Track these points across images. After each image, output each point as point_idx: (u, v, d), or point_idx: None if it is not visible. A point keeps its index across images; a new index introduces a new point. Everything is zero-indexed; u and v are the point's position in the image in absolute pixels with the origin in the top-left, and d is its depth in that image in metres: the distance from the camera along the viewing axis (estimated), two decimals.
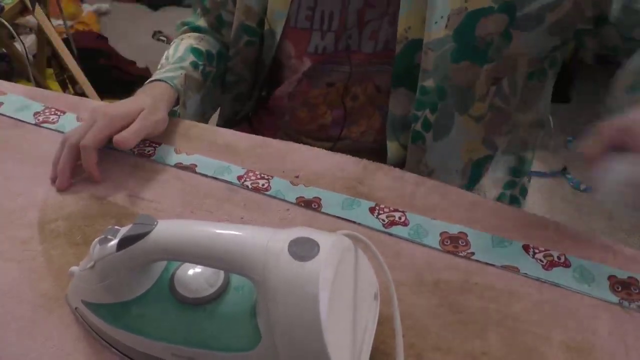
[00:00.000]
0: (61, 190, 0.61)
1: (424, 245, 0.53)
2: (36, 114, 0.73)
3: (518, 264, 0.51)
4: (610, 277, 0.49)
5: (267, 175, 0.62)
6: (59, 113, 0.73)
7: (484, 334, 0.45)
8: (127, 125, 0.63)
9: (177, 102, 0.73)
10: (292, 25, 0.73)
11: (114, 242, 0.41)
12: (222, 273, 0.42)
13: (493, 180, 0.80)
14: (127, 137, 0.61)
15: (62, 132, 0.69)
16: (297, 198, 0.59)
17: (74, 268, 0.45)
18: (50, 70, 1.95)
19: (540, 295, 0.48)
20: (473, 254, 0.52)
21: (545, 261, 0.51)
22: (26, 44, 1.81)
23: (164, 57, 0.79)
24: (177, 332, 0.41)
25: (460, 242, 0.53)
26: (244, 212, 0.58)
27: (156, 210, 0.58)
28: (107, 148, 0.63)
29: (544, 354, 0.44)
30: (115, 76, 2.22)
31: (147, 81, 0.73)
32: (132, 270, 0.42)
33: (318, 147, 0.68)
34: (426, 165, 0.73)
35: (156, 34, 2.75)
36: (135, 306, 0.43)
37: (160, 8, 3.03)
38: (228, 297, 0.41)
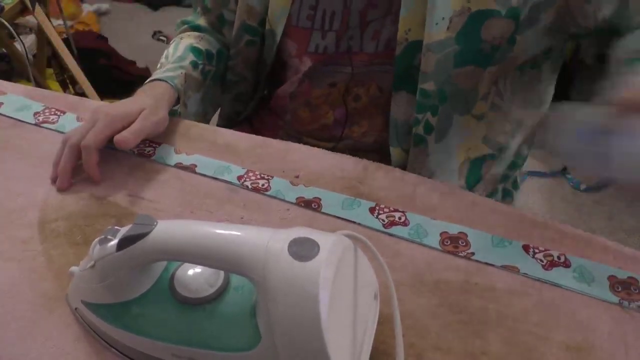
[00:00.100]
0: (61, 190, 0.61)
1: (424, 245, 0.53)
2: (36, 113, 0.73)
3: (518, 264, 0.51)
4: (610, 277, 0.49)
5: (267, 175, 0.62)
6: (59, 113, 0.73)
7: (484, 334, 0.45)
8: (128, 126, 0.63)
9: (177, 102, 0.73)
10: (294, 24, 0.73)
11: (114, 242, 0.41)
12: (222, 273, 0.42)
13: (490, 176, 0.80)
14: (128, 137, 0.61)
15: (62, 132, 0.69)
16: (297, 198, 0.59)
17: (74, 268, 0.45)
18: (50, 70, 1.95)
19: (540, 295, 0.48)
20: (473, 254, 0.52)
21: (545, 261, 0.51)
22: (26, 44, 1.81)
23: (163, 56, 0.79)
24: (177, 332, 0.41)
25: (460, 242, 0.53)
26: (244, 212, 0.58)
27: (156, 210, 0.58)
28: (107, 148, 0.63)
29: (544, 354, 0.44)
30: (115, 76, 2.22)
31: (147, 81, 0.73)
32: (132, 270, 0.42)
33: (320, 147, 0.68)
34: (427, 169, 0.73)
35: (156, 34, 2.75)
36: (135, 306, 0.43)
37: (160, 8, 3.03)
38: (228, 297, 0.41)
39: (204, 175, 0.63)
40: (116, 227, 0.43)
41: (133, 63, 2.35)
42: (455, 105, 0.69)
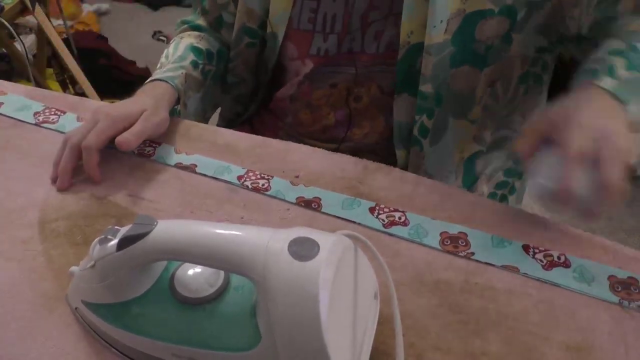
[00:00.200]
0: (62, 190, 0.61)
1: (424, 245, 0.53)
2: (36, 113, 0.73)
3: (518, 264, 0.51)
4: (610, 277, 0.49)
5: (267, 175, 0.62)
6: (59, 113, 0.73)
7: (484, 334, 0.45)
8: (129, 126, 0.63)
9: (177, 102, 0.73)
10: (295, 27, 0.73)
11: (114, 242, 0.41)
12: (222, 273, 0.42)
13: (486, 176, 0.80)
14: (130, 139, 0.61)
15: (63, 132, 0.69)
16: (297, 198, 0.59)
17: (74, 268, 0.45)
18: (50, 70, 1.95)
19: (540, 295, 0.48)
20: (473, 254, 0.52)
21: (545, 261, 0.51)
22: (26, 44, 1.81)
23: (163, 55, 0.79)
24: (177, 332, 0.41)
25: (460, 242, 0.53)
26: (244, 212, 0.58)
27: (156, 210, 0.58)
28: (107, 147, 0.63)
29: (544, 353, 0.44)
30: (115, 76, 2.22)
31: (147, 81, 0.73)
32: (132, 270, 0.42)
33: (321, 148, 0.68)
34: (425, 172, 0.73)
35: (156, 34, 2.75)
36: (135, 306, 0.43)
37: (160, 8, 3.03)
38: (228, 297, 0.41)
39: (204, 175, 0.63)
40: (116, 227, 0.43)
41: (133, 63, 2.35)
42: (451, 108, 0.69)
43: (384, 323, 0.44)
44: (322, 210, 0.57)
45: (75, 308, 0.46)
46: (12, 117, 0.72)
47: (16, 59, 1.81)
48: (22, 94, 0.77)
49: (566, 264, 0.51)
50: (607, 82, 0.54)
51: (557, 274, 0.50)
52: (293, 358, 0.36)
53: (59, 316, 0.47)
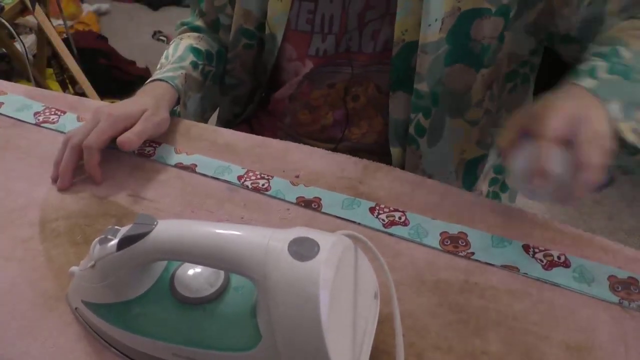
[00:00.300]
0: (62, 190, 0.61)
1: (424, 245, 0.53)
2: (36, 113, 0.73)
3: (518, 264, 0.51)
4: (610, 277, 0.49)
5: (267, 175, 0.62)
6: (59, 113, 0.73)
7: (484, 334, 0.45)
8: (130, 126, 0.63)
9: (177, 102, 0.73)
10: (293, 28, 0.73)
11: (114, 241, 0.41)
12: (222, 273, 0.42)
13: (483, 175, 0.81)
14: (131, 139, 0.61)
15: (63, 132, 0.69)
16: (297, 198, 0.59)
17: (74, 268, 0.45)
18: (50, 70, 1.95)
19: (540, 295, 0.48)
20: (473, 253, 0.52)
21: (545, 261, 0.51)
22: (26, 44, 1.82)
23: (163, 56, 0.79)
24: (177, 332, 0.41)
25: (460, 242, 0.53)
26: (244, 212, 0.58)
27: (156, 210, 0.59)
28: (108, 147, 0.63)
29: (543, 353, 0.44)
30: (115, 76, 2.22)
31: (148, 81, 0.73)
32: (132, 270, 0.42)
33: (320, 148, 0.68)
34: (423, 172, 0.73)
35: (156, 34, 2.75)
36: (136, 306, 0.43)
37: (160, 8, 3.03)
38: (228, 296, 0.41)
39: (204, 175, 0.63)
40: (116, 227, 0.43)
41: (133, 63, 2.35)
42: (447, 107, 0.70)
43: (384, 322, 0.45)
44: (322, 210, 0.57)
45: (76, 308, 0.46)
46: (12, 117, 0.72)
47: (16, 59, 1.81)
48: (22, 94, 0.77)
49: (566, 264, 0.51)
50: (587, 82, 0.54)
51: (557, 274, 0.50)
52: (293, 358, 0.36)
53: (59, 316, 0.47)
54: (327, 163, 0.64)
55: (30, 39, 2.19)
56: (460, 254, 0.52)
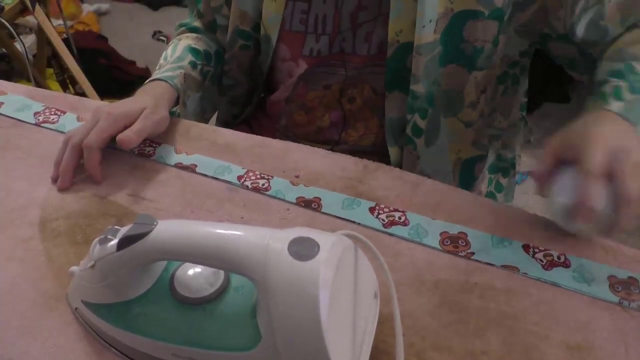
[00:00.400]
0: (62, 189, 0.61)
1: (424, 245, 0.53)
2: (36, 113, 0.73)
3: (518, 264, 0.51)
4: (610, 277, 0.49)
5: (267, 175, 0.62)
6: (59, 113, 0.73)
7: (484, 334, 0.45)
8: (130, 125, 0.63)
9: (176, 102, 0.73)
10: (287, 28, 0.74)
11: (114, 241, 0.41)
12: (222, 273, 0.42)
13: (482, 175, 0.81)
14: (131, 137, 0.61)
15: (63, 132, 0.69)
16: (297, 198, 0.59)
17: (74, 268, 0.45)
18: (50, 70, 1.95)
19: (540, 295, 0.48)
20: (473, 253, 0.52)
21: (545, 261, 0.51)
22: (26, 44, 1.81)
23: (162, 57, 0.79)
24: (177, 332, 0.41)
25: (460, 242, 0.53)
26: (244, 212, 0.58)
27: (156, 209, 0.59)
28: (108, 147, 0.63)
29: (544, 353, 0.44)
30: (115, 76, 2.22)
31: (147, 81, 0.73)
32: (132, 270, 0.42)
33: None
34: (421, 172, 0.74)
35: (156, 34, 2.75)
36: (136, 306, 0.43)
37: (160, 8, 3.03)
38: (228, 296, 0.41)
39: (204, 175, 0.63)
40: (116, 227, 0.43)
41: (133, 63, 2.35)
42: (442, 107, 0.70)
43: (384, 322, 0.45)
44: (322, 210, 0.57)
45: (76, 308, 0.46)
46: (12, 117, 0.72)
47: (16, 59, 1.81)
48: (22, 94, 0.77)
49: (566, 264, 0.51)
50: (615, 106, 0.54)
51: (557, 274, 0.50)
52: (293, 358, 0.36)
53: (59, 316, 0.47)
54: (327, 163, 0.64)
55: (30, 39, 2.19)
56: (460, 254, 0.52)
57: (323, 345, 0.34)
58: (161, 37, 2.72)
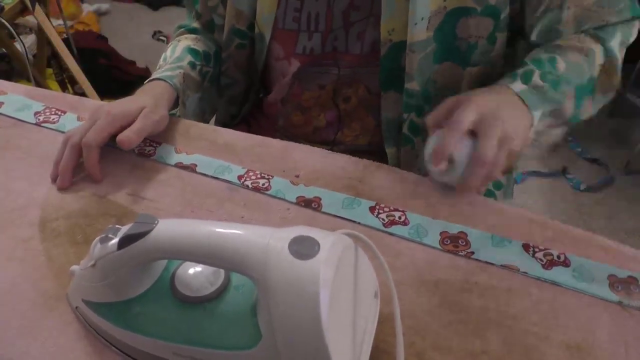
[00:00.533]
0: (62, 189, 0.61)
1: (424, 245, 0.53)
2: (36, 113, 0.73)
3: (518, 263, 0.51)
4: (610, 277, 0.49)
5: (268, 175, 0.62)
6: (59, 113, 0.73)
7: (484, 334, 0.45)
8: (129, 124, 0.63)
9: (176, 102, 0.73)
10: (280, 26, 0.74)
11: (115, 241, 0.41)
12: (222, 272, 0.42)
13: None
14: (130, 136, 0.61)
15: (63, 132, 0.69)
16: (297, 197, 0.59)
17: (75, 267, 0.45)
18: (50, 70, 1.95)
19: (540, 295, 0.48)
20: (473, 253, 0.52)
21: (545, 260, 0.51)
22: (26, 44, 1.82)
23: (161, 58, 0.80)
24: (177, 331, 0.41)
25: (460, 241, 0.53)
26: (245, 211, 0.58)
27: (156, 209, 0.59)
28: (107, 146, 0.63)
29: (544, 353, 0.44)
30: (115, 76, 2.22)
31: (146, 81, 0.73)
32: (133, 269, 0.42)
33: None
34: (419, 171, 0.74)
35: (156, 34, 2.75)
36: (136, 305, 0.43)
37: (160, 8, 3.03)
38: (228, 295, 0.41)
39: (205, 175, 0.63)
40: (117, 226, 0.43)
41: (133, 63, 2.35)
42: (438, 104, 0.70)
43: (385, 322, 0.45)
44: (323, 209, 0.58)
45: (76, 307, 0.46)
46: (12, 117, 0.72)
47: (16, 59, 1.81)
48: (22, 93, 0.77)
49: (566, 263, 0.51)
50: (517, 86, 0.58)
51: (557, 273, 0.50)
52: (293, 357, 0.36)
53: (60, 315, 0.47)
54: (327, 162, 0.64)
55: (30, 39, 2.19)
56: (460, 253, 0.52)
57: (323, 344, 0.34)
58: (161, 37, 2.73)
